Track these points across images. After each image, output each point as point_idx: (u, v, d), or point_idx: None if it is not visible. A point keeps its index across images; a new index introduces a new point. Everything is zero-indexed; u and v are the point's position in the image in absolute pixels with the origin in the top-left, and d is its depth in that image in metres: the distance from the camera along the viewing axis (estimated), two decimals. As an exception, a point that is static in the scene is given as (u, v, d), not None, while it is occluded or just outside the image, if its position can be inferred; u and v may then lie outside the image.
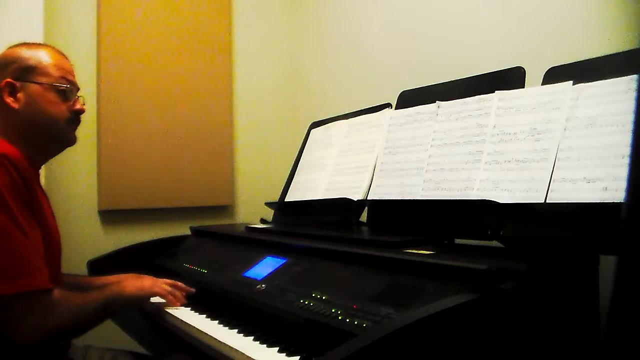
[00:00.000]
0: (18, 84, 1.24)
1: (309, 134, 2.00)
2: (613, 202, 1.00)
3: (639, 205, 0.56)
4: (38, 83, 1.26)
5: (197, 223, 2.00)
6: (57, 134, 1.30)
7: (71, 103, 1.31)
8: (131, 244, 1.85)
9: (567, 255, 1.04)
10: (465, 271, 0.91)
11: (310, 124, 2.03)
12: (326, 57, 2.51)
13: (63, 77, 1.29)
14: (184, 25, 2.44)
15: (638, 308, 0.55)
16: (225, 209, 2.56)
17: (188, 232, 1.93)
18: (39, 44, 1.35)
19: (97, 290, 1.27)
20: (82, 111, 1.34)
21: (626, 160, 1.01)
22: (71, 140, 1.35)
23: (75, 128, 1.34)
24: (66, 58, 1.35)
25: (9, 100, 1.24)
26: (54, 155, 1.38)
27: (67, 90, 1.29)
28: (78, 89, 1.35)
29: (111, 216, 2.28)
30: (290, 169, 1.98)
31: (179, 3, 2.44)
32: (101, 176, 2.22)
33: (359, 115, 1.78)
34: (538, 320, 0.92)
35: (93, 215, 2.24)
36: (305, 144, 1.98)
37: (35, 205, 1.15)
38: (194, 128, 2.44)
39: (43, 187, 1.35)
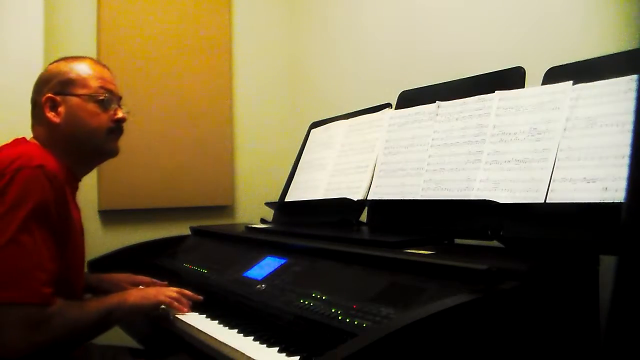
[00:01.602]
0: (58, 98, 1.26)
1: (309, 134, 2.00)
2: (613, 202, 1.00)
3: (639, 205, 0.56)
4: (77, 95, 1.27)
5: (197, 223, 2.00)
6: (98, 144, 1.31)
7: (112, 112, 1.32)
8: (131, 244, 1.85)
9: (567, 255, 1.04)
10: (466, 271, 0.91)
11: (310, 124, 2.03)
12: (326, 57, 2.50)
13: (102, 87, 1.30)
14: (184, 25, 2.44)
15: (638, 308, 0.55)
16: (225, 209, 2.55)
17: (188, 232, 1.93)
18: (78, 57, 1.35)
19: (98, 300, 1.23)
20: (123, 120, 1.34)
21: (626, 160, 1.01)
22: (112, 151, 1.35)
23: (117, 138, 1.35)
24: (106, 68, 1.36)
25: (50, 115, 1.26)
26: (95, 166, 1.40)
27: (105, 99, 1.30)
28: (120, 98, 1.35)
29: (111, 216, 2.27)
30: (290, 169, 1.98)
31: (179, 3, 2.44)
32: (101, 176, 2.22)
33: (359, 115, 1.78)
34: (538, 320, 0.92)
35: (93, 215, 2.23)
36: (305, 144, 1.98)
37: (61, 219, 1.14)
38: (194, 128, 2.43)
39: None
